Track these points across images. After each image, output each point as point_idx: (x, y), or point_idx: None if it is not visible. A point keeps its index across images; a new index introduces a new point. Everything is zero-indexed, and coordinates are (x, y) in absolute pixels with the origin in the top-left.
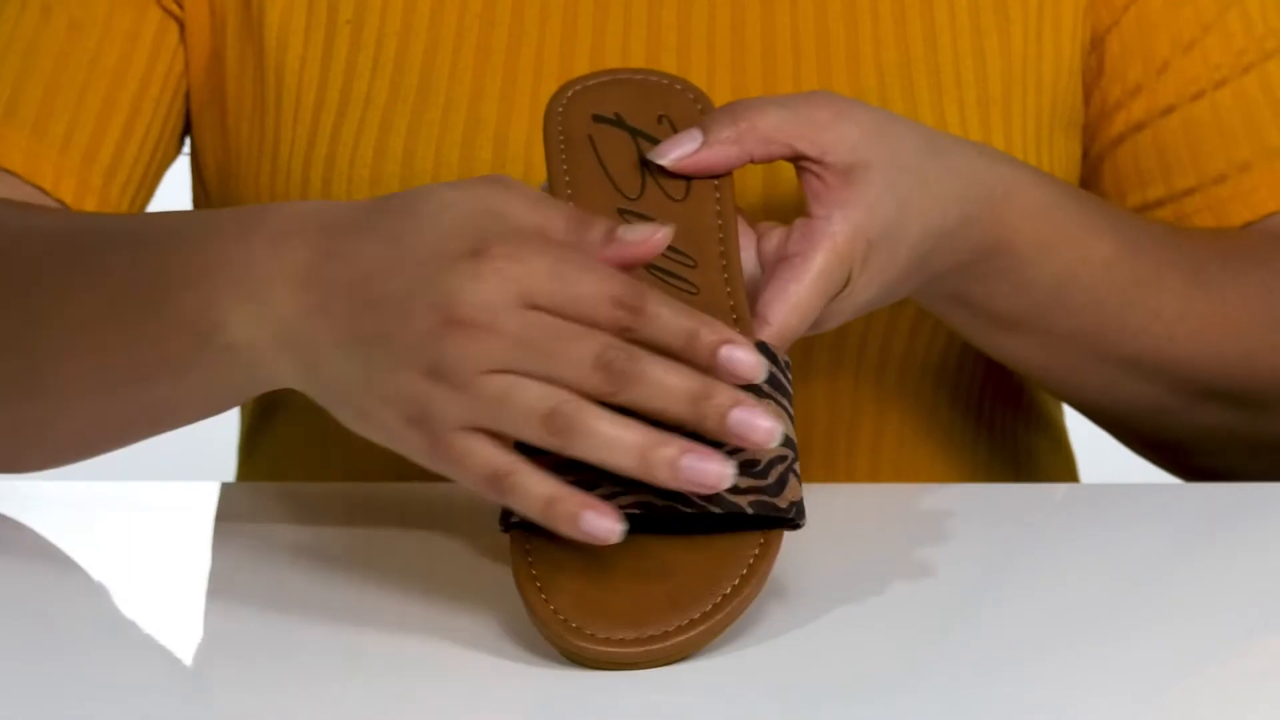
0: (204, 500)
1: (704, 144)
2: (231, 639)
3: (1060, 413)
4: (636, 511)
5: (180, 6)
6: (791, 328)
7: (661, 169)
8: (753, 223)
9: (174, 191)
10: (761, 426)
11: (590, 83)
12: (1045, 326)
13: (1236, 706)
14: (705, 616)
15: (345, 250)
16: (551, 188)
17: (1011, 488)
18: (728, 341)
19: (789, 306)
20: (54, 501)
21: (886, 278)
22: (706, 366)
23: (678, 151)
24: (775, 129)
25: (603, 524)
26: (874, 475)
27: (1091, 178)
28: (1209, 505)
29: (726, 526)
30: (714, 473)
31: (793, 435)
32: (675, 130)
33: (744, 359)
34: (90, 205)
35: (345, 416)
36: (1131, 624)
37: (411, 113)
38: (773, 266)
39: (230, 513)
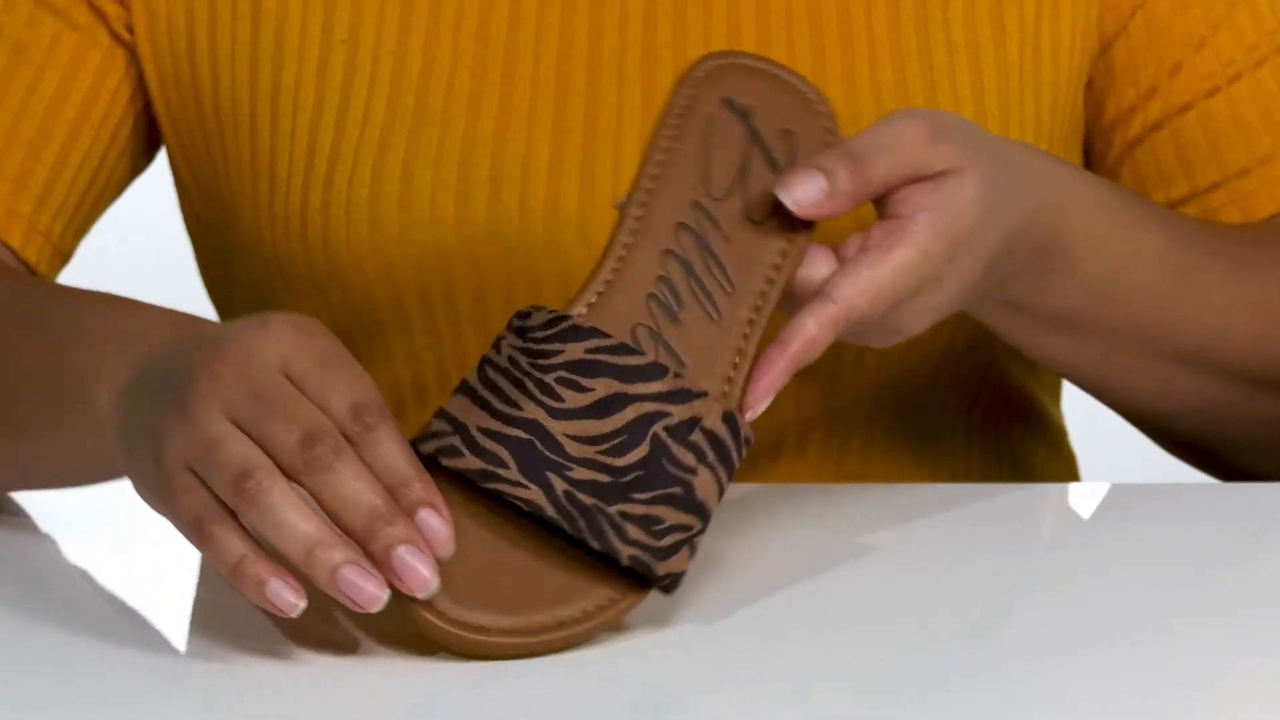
0: None
1: (828, 195)
2: (229, 637)
3: (1060, 416)
4: (524, 508)
5: (131, 33)
6: (856, 308)
7: (760, 181)
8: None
9: (165, 204)
10: (421, 575)
11: (741, 61)
12: (1100, 324)
13: (1228, 708)
14: (541, 628)
15: (169, 353)
16: (645, 155)
17: (999, 488)
18: (432, 506)
19: (857, 289)
20: (54, 502)
21: (968, 281)
22: (403, 511)
23: (801, 192)
24: (886, 177)
25: (285, 595)
26: (864, 478)
27: (1111, 181)
28: (1202, 506)
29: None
30: (368, 594)
31: (710, 510)
32: (795, 151)
33: (437, 531)
34: (17, 233)
35: (134, 479)
36: (1122, 626)
37: (409, 132)
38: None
39: None
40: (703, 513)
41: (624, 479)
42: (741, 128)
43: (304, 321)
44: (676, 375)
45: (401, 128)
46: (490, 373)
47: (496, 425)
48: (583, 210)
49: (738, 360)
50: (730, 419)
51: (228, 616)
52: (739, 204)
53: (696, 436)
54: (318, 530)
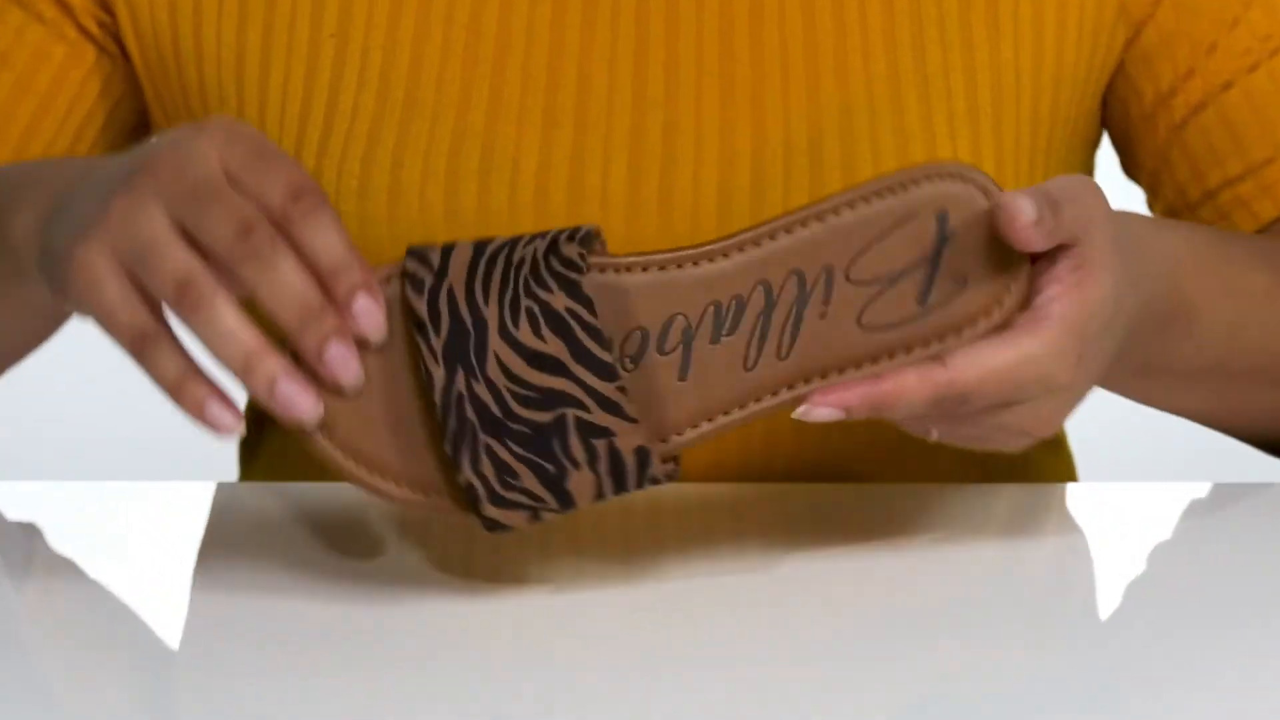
0: (204, 500)
1: (1035, 223)
2: (229, 638)
3: None
4: (420, 377)
5: (103, 28)
6: (965, 381)
7: (899, 300)
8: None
9: None
10: (352, 367)
11: (991, 190)
12: (1224, 372)
13: (1228, 709)
14: (366, 461)
15: (96, 173)
16: (836, 194)
17: (999, 488)
18: (368, 291)
19: (973, 362)
20: (54, 502)
21: (1098, 375)
22: (337, 300)
23: (1018, 210)
24: (1070, 228)
25: (225, 417)
26: (862, 478)
27: (1161, 168)
28: (1203, 507)
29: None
30: (303, 406)
31: (577, 502)
32: (952, 301)
33: (371, 315)
34: None
35: (62, 288)
36: (1121, 626)
37: (399, 124)
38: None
39: (229, 513)
40: (565, 499)
41: (511, 424)
42: (930, 246)
43: (235, 122)
44: (621, 389)
45: (391, 120)
46: (501, 254)
47: (460, 297)
48: (571, 204)
49: (725, 413)
50: (642, 454)
51: (227, 616)
52: (863, 298)
53: (600, 444)
54: (255, 340)
